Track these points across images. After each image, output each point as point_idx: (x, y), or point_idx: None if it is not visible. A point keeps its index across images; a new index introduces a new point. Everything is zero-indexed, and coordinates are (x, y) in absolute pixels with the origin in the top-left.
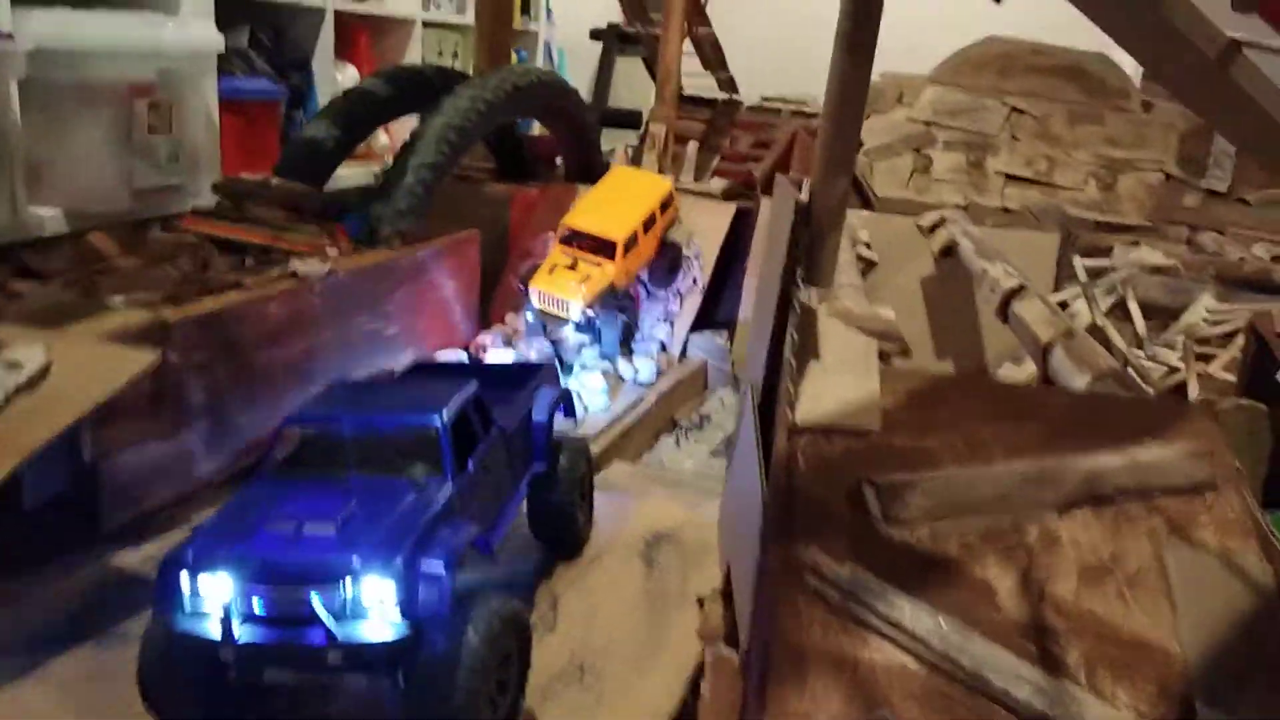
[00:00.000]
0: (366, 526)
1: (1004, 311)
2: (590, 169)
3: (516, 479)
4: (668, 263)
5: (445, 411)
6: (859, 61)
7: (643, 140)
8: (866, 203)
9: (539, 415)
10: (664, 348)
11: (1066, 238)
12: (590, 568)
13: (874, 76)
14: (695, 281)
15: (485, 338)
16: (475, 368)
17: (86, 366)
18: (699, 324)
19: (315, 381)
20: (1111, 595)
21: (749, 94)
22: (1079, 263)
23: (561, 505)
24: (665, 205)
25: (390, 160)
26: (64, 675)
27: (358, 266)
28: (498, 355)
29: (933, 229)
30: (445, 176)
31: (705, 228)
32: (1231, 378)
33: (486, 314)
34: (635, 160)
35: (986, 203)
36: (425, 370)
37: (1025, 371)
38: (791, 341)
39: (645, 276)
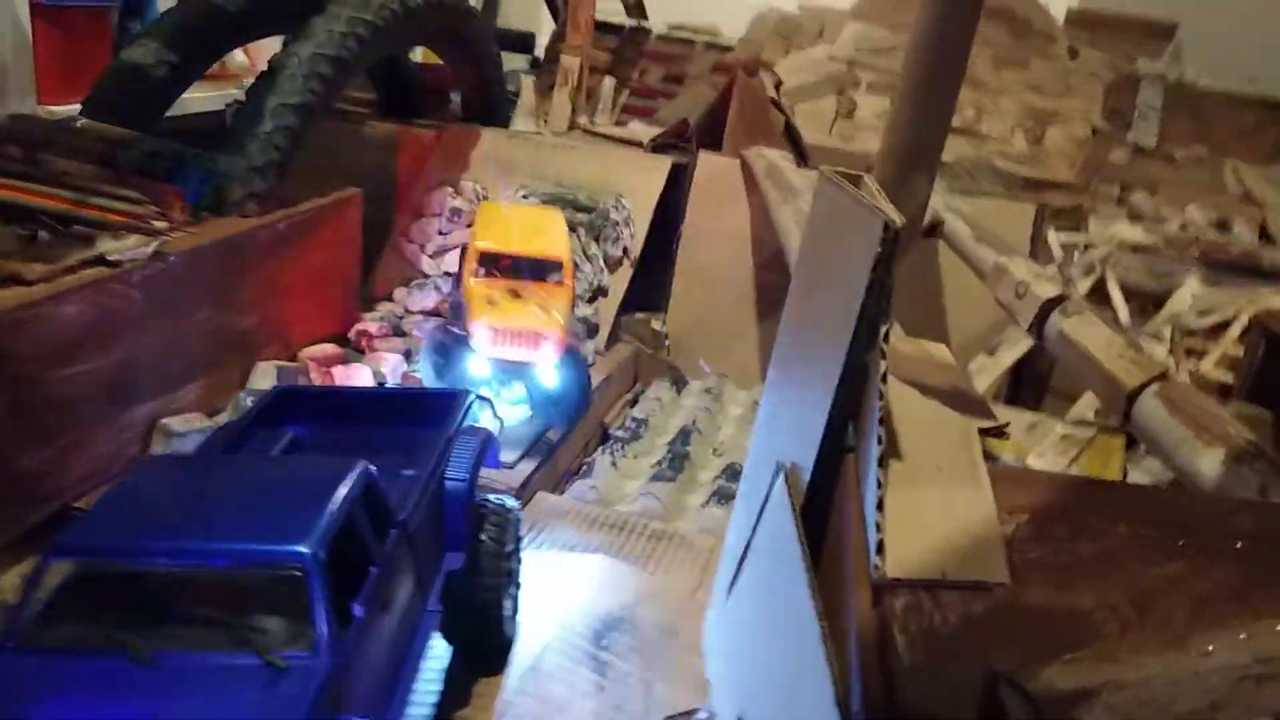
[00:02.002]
0: None
1: (1039, 325)
2: (493, 107)
3: (425, 594)
4: None
5: (316, 535)
6: (965, 11)
7: (537, 65)
8: (799, 152)
9: (456, 481)
10: (593, 333)
11: (1041, 209)
12: (524, 686)
13: (792, 8)
14: (625, 253)
15: (369, 324)
16: (362, 400)
17: None
18: (627, 304)
19: (135, 403)
20: None
21: (655, 22)
22: (1054, 238)
23: (485, 605)
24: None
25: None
26: None
27: (198, 245)
28: (389, 351)
29: None
30: (316, 120)
31: (635, 187)
32: (1224, 376)
33: (368, 285)
34: (544, 92)
35: None
36: (287, 406)
37: (1000, 365)
38: (874, 438)
39: None
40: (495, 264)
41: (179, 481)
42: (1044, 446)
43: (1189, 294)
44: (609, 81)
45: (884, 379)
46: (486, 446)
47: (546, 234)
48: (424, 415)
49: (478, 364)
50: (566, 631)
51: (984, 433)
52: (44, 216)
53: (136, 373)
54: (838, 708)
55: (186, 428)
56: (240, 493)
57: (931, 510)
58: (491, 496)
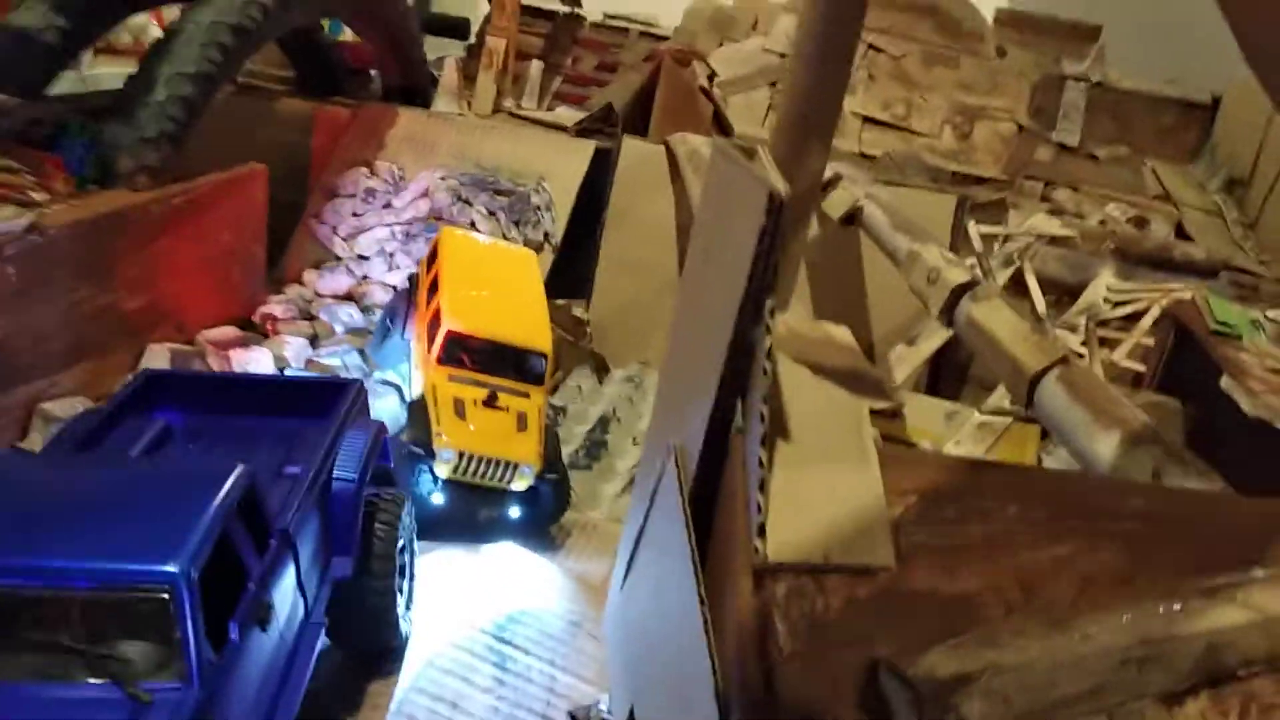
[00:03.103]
0: None
1: (949, 312)
2: (413, 87)
3: (310, 606)
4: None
5: (187, 552)
6: None
7: (472, 52)
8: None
9: (344, 482)
10: None
11: (962, 201)
12: (419, 683)
13: (728, 0)
14: (546, 237)
15: (275, 307)
16: (241, 387)
17: None
18: (549, 289)
19: (10, 385)
20: None
21: (590, 9)
22: (974, 230)
23: (376, 609)
24: None
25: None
26: None
27: (79, 218)
28: (293, 335)
29: (825, 187)
30: (215, 91)
31: (557, 170)
32: (1136, 366)
33: (278, 267)
34: (469, 78)
35: (844, 146)
36: (158, 392)
37: (920, 355)
38: (758, 416)
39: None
40: (465, 347)
41: (24, 485)
42: (961, 435)
43: (1104, 285)
44: (536, 65)
45: (769, 355)
46: (379, 441)
47: (532, 309)
48: (309, 406)
49: (434, 490)
50: (468, 625)
51: (876, 414)
52: None
53: (11, 353)
54: (716, 700)
55: (68, 412)
56: (99, 500)
57: (817, 492)
58: (381, 490)
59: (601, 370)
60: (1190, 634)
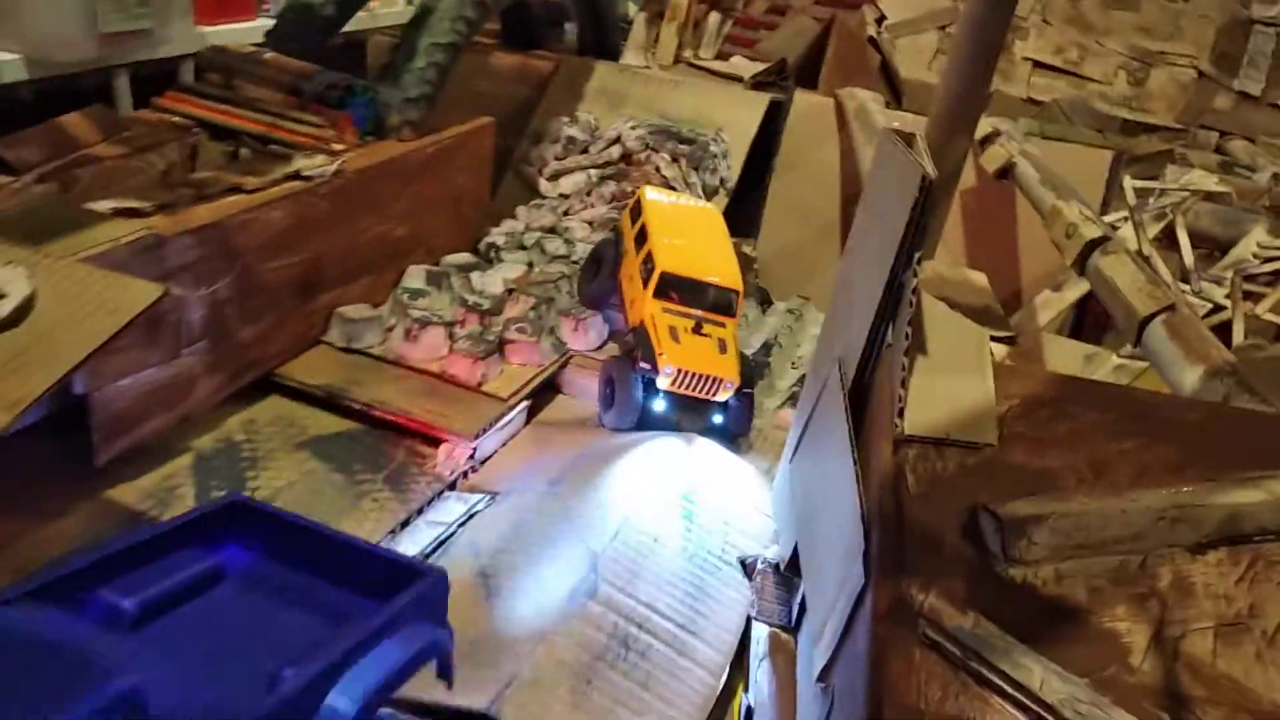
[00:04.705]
0: None
1: (1082, 263)
2: (605, 41)
3: None
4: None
5: None
6: (1001, 12)
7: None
8: (893, 89)
9: (337, 711)
10: None
11: (1119, 156)
12: (620, 532)
13: None
14: (722, 183)
15: (496, 237)
16: (314, 540)
17: (78, 299)
18: None
19: (319, 292)
20: (1250, 656)
21: None
22: (1129, 184)
23: None
24: None
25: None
26: None
27: (367, 164)
28: (514, 262)
29: (984, 142)
30: (460, 57)
31: (734, 121)
32: (1279, 320)
33: (493, 203)
34: (653, 23)
35: (1012, 92)
36: (237, 520)
37: (1064, 301)
38: (903, 335)
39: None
40: (673, 285)
41: None
42: (1099, 375)
43: (1254, 242)
44: (714, 17)
45: (914, 292)
46: (423, 659)
47: (723, 254)
48: (378, 585)
49: (657, 399)
50: (658, 492)
51: (995, 339)
52: (246, 136)
53: (321, 269)
54: (862, 523)
55: (357, 315)
56: None
57: (943, 391)
58: None
59: (765, 303)
60: (1216, 504)
